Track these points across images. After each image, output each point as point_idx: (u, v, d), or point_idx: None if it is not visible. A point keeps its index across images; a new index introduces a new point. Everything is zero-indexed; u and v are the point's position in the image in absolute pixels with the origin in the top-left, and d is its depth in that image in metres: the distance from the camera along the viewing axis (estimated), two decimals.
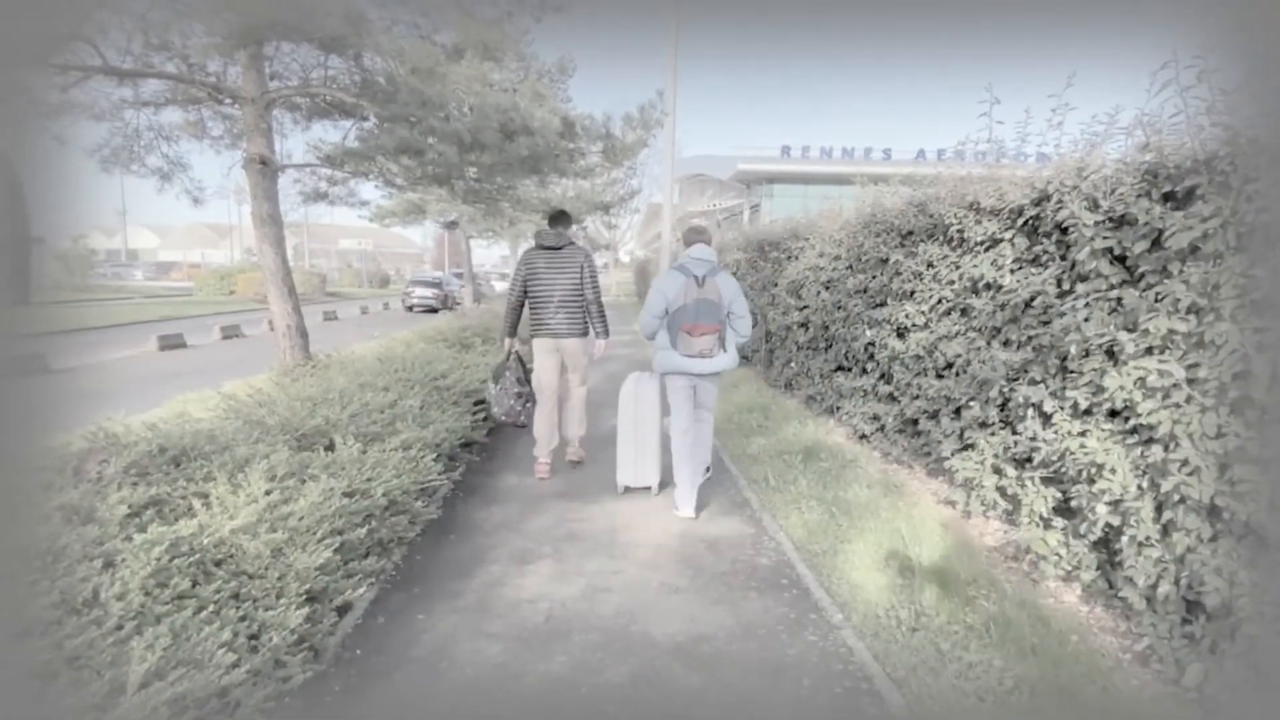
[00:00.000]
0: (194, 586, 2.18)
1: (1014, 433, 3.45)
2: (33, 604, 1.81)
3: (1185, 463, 2.34)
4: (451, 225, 19.69)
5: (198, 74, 5.84)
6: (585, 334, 4.88)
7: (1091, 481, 2.82)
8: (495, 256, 56.08)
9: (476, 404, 5.48)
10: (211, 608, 2.09)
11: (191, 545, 2.28)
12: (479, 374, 5.84)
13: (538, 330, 4.83)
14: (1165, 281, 2.47)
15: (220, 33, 4.32)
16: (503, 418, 4.87)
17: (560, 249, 4.75)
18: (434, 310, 23.42)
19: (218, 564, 2.35)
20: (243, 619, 2.15)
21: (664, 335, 4.10)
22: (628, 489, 4.60)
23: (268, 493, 2.70)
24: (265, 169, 5.80)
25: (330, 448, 3.49)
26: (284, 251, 6.18)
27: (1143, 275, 2.64)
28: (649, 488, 4.58)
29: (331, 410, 3.89)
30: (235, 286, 29.48)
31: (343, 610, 2.72)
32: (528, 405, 4.90)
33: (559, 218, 4.89)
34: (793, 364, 7.18)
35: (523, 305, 4.84)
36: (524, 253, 4.89)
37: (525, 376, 4.98)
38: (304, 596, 2.41)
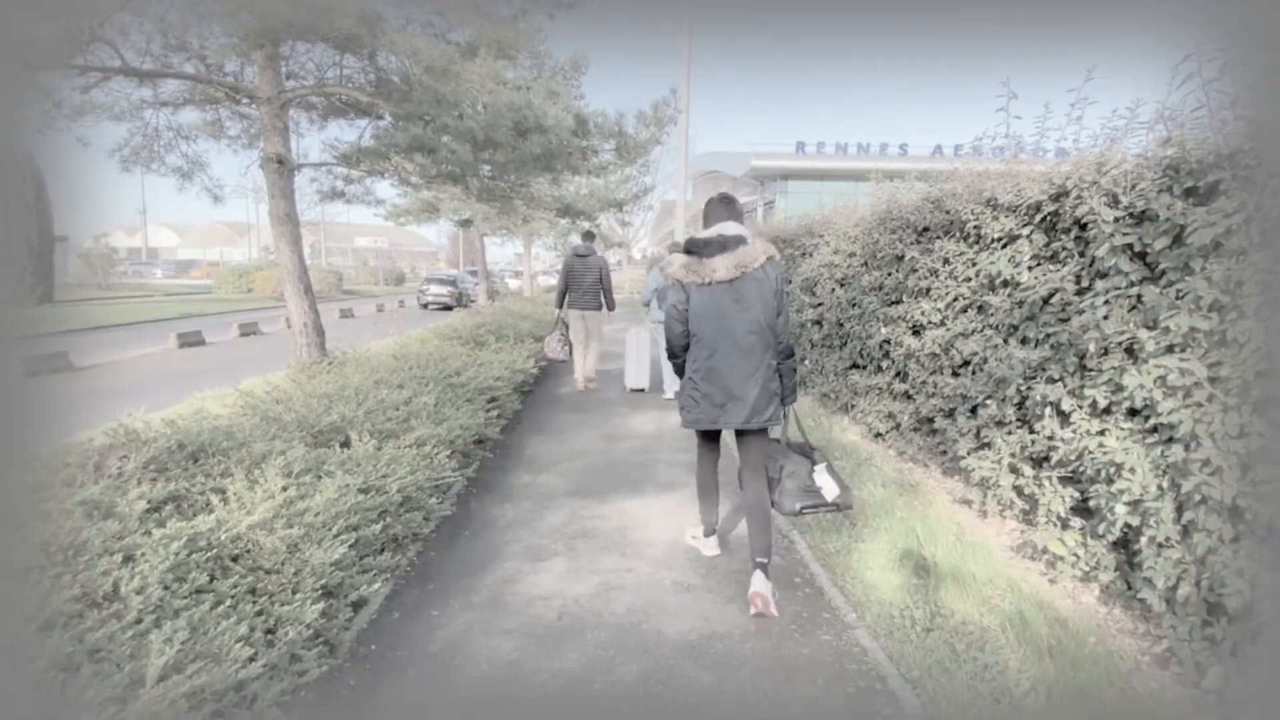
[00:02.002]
0: (211, 581, 2.20)
1: (1031, 431, 3.41)
2: (55, 597, 1.84)
3: (1207, 462, 2.30)
4: (466, 223, 19.74)
5: (215, 74, 5.90)
6: (600, 308, 7.91)
7: (1110, 481, 2.78)
8: (509, 254, 56.36)
9: (490, 401, 5.51)
10: (229, 602, 2.12)
11: (209, 540, 2.31)
12: (493, 371, 5.87)
13: (573, 304, 7.87)
14: (1187, 278, 2.43)
15: (237, 33, 4.36)
16: (550, 355, 7.90)
17: (588, 257, 7.81)
18: (449, 308, 23.55)
19: (235, 559, 2.38)
20: (259, 614, 2.17)
21: (655, 301, 6.85)
22: (633, 390, 7.95)
23: (284, 489, 2.73)
24: (282, 168, 5.85)
25: (346, 444, 3.52)
26: (301, 250, 6.23)
27: (1164, 272, 2.59)
28: (643, 389, 7.93)
29: (347, 407, 3.92)
30: (253, 284, 29.84)
31: (358, 605, 2.75)
32: (565, 349, 7.86)
33: (588, 237, 8.32)
34: (806, 361, 7.15)
35: (567, 290, 7.83)
36: (566, 258, 8.06)
37: (566, 333, 7.93)
38: (320, 592, 2.43)
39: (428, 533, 3.56)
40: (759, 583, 3.00)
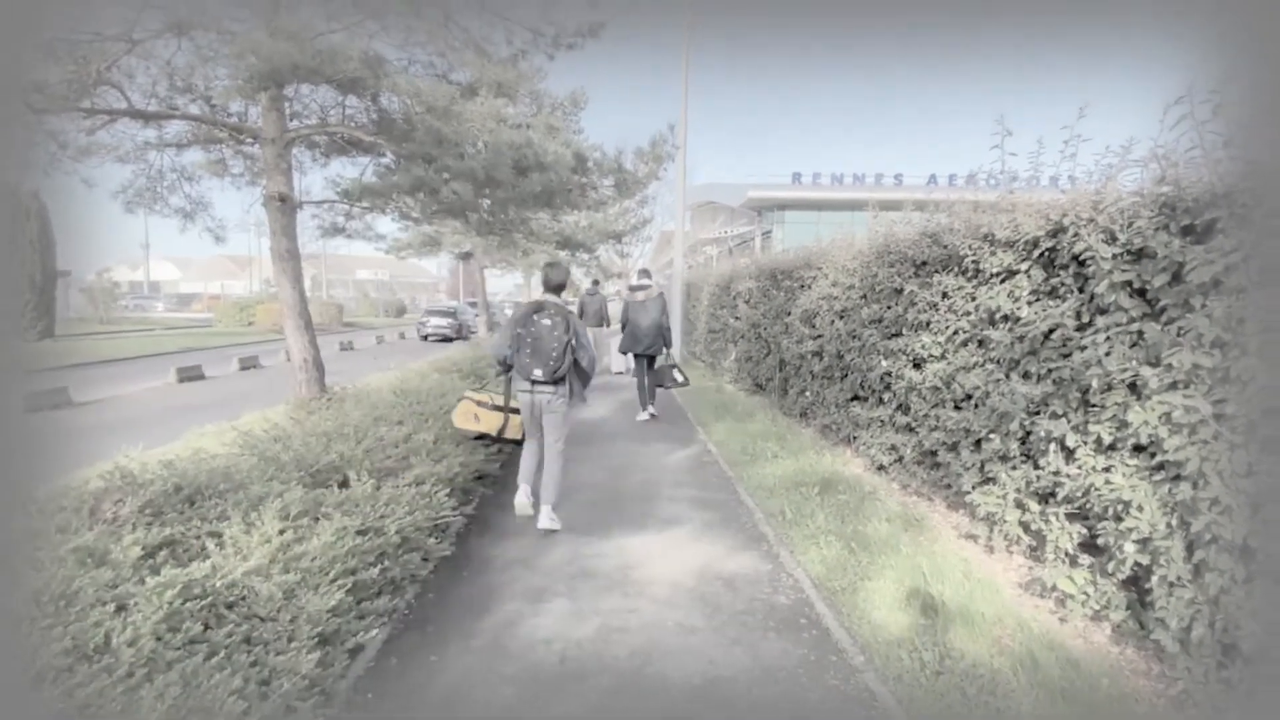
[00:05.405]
0: (205, 630, 2.16)
1: (1036, 467, 3.38)
2: (46, 650, 1.80)
3: (1216, 501, 2.28)
4: (466, 256, 19.91)
5: (220, 115, 5.99)
6: (603, 326, 12.15)
7: (1118, 519, 2.74)
8: (509, 285, 56.77)
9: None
10: (223, 653, 2.07)
11: (204, 588, 2.27)
12: None
13: (586, 323, 9.84)
14: (1188, 315, 2.43)
15: (242, 75, 4.43)
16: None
17: (595, 295, 12.42)
18: (449, 340, 23.60)
19: (230, 606, 2.33)
20: (254, 664, 2.13)
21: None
22: (616, 373, 12.36)
23: (281, 532, 2.69)
24: (284, 206, 5.91)
25: (344, 484, 3.49)
26: (302, 287, 6.26)
27: (1164, 309, 2.59)
28: (622, 372, 12.15)
29: (346, 445, 3.89)
30: (254, 317, 29.94)
31: (355, 652, 2.69)
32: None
33: (595, 283, 14.22)
34: (807, 393, 7.13)
35: (582, 315, 11.06)
36: (581, 296, 12.60)
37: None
38: (316, 639, 2.38)
39: (426, 574, 3.51)
40: (647, 410, 8.13)
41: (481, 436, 4.78)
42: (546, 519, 4.30)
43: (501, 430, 4.67)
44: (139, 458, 3.21)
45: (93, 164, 5.78)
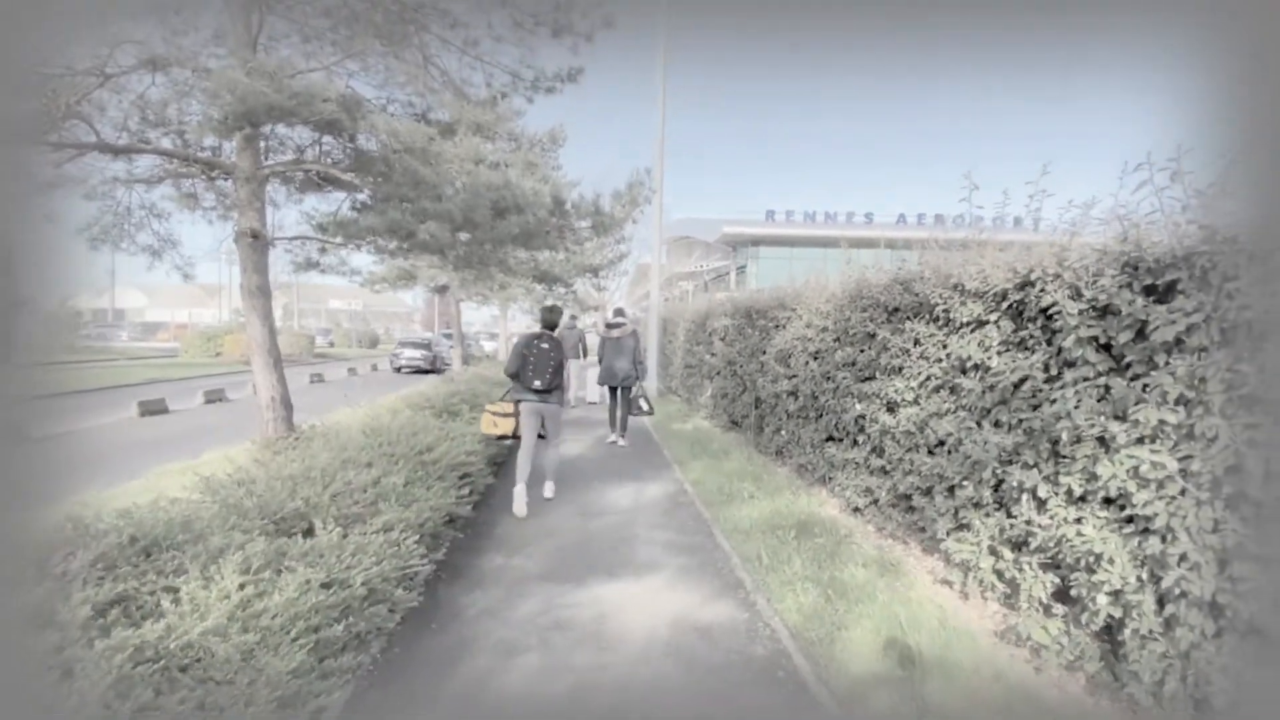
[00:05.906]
0: (157, 697, 2.05)
1: (1009, 515, 3.40)
2: None
3: (1184, 557, 2.30)
4: (442, 290, 19.80)
5: (193, 150, 5.92)
6: (580, 358, 12.80)
7: (1090, 570, 2.76)
8: (485, 317, 56.58)
9: (461, 478, 5.38)
10: None
11: (157, 650, 2.17)
12: (466, 445, 5.76)
13: (565, 355, 11.69)
14: (1152, 372, 2.48)
15: (217, 115, 4.40)
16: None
17: (574, 329, 13.04)
18: (423, 372, 23.35)
19: (184, 670, 2.22)
20: None
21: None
22: (590, 402, 13.73)
23: (241, 587, 2.59)
24: (256, 243, 5.83)
25: (309, 533, 3.38)
26: (271, 323, 6.15)
27: (1129, 365, 2.65)
28: (595, 402, 13.52)
29: (312, 490, 3.78)
30: (222, 348, 29.34)
31: (316, 714, 2.57)
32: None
33: (574, 318, 15.91)
34: (783, 432, 7.15)
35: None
36: (559, 330, 11.47)
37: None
38: (275, 703, 2.28)
39: (393, 627, 3.39)
40: (618, 435, 9.02)
41: (502, 437, 6.07)
42: (550, 490, 6.11)
43: (515, 429, 5.98)
44: (94, 504, 3.08)
45: (58, 197, 5.67)
